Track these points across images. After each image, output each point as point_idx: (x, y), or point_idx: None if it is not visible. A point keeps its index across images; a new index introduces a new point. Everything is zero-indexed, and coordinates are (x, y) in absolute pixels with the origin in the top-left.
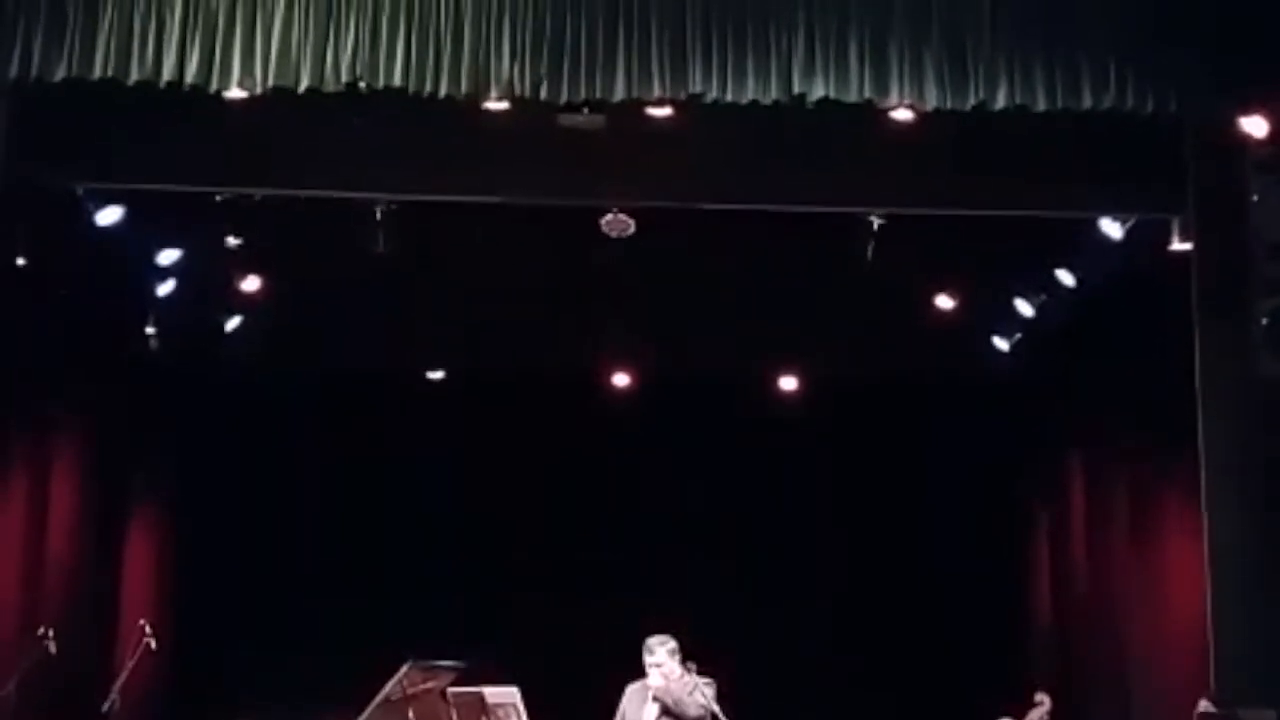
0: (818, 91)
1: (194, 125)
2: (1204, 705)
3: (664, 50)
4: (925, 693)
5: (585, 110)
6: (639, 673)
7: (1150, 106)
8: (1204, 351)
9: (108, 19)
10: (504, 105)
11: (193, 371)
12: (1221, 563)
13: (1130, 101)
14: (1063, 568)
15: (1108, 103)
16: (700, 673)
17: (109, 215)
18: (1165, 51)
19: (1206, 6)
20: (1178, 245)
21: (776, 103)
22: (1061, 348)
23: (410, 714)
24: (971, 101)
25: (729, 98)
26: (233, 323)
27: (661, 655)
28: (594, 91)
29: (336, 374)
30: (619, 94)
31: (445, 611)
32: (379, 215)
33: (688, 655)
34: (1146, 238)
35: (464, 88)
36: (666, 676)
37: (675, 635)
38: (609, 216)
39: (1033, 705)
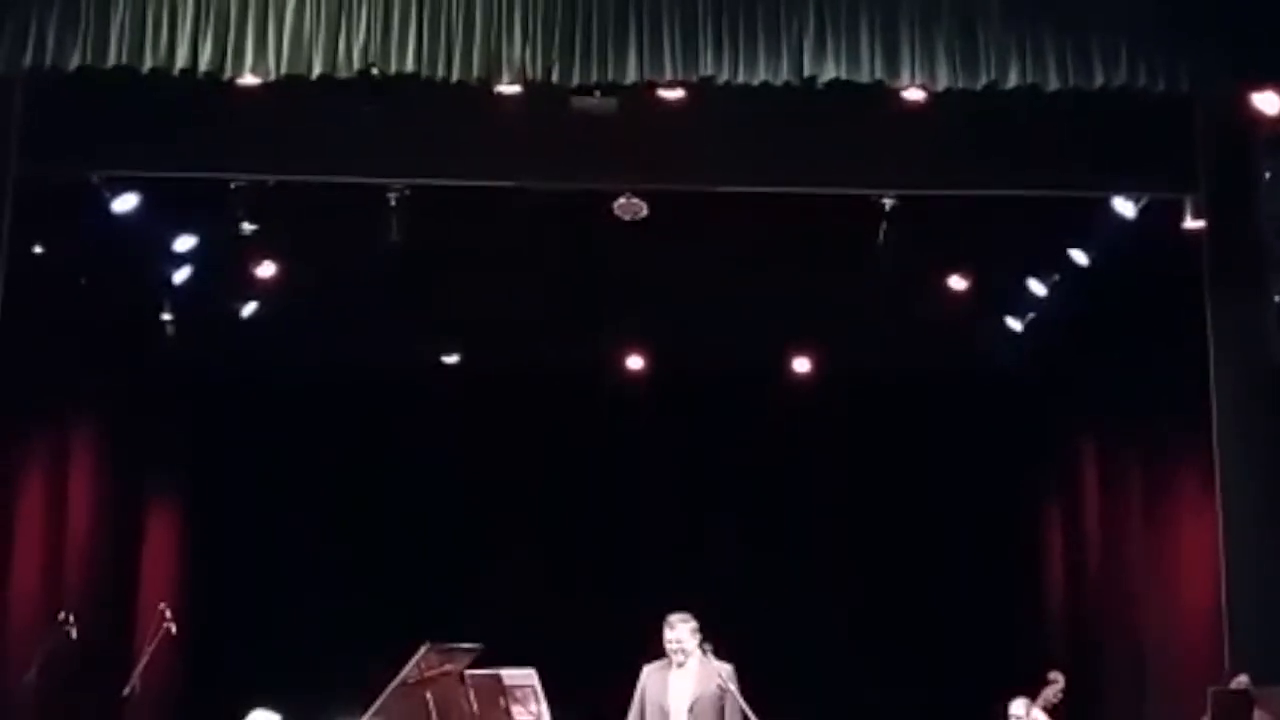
0: (829, 73)
1: (208, 112)
2: (1241, 680)
3: (675, 32)
4: (940, 678)
5: (597, 93)
6: (649, 660)
7: (1161, 85)
8: (1216, 331)
9: (121, 7)
10: (516, 89)
11: (209, 358)
12: (1235, 545)
13: (1141, 80)
14: (1076, 551)
15: (1119, 81)
16: (717, 655)
17: (125, 203)
18: (1176, 30)
19: None
20: (1191, 224)
21: (788, 84)
22: (1074, 328)
23: (428, 696)
24: (983, 81)
25: (740, 80)
26: (248, 309)
27: (683, 631)
28: (605, 74)
29: (351, 360)
30: (630, 76)
31: (459, 598)
32: (392, 201)
33: (707, 637)
34: (1159, 217)
35: (476, 72)
36: (686, 651)
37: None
38: (621, 200)
39: (1046, 684)
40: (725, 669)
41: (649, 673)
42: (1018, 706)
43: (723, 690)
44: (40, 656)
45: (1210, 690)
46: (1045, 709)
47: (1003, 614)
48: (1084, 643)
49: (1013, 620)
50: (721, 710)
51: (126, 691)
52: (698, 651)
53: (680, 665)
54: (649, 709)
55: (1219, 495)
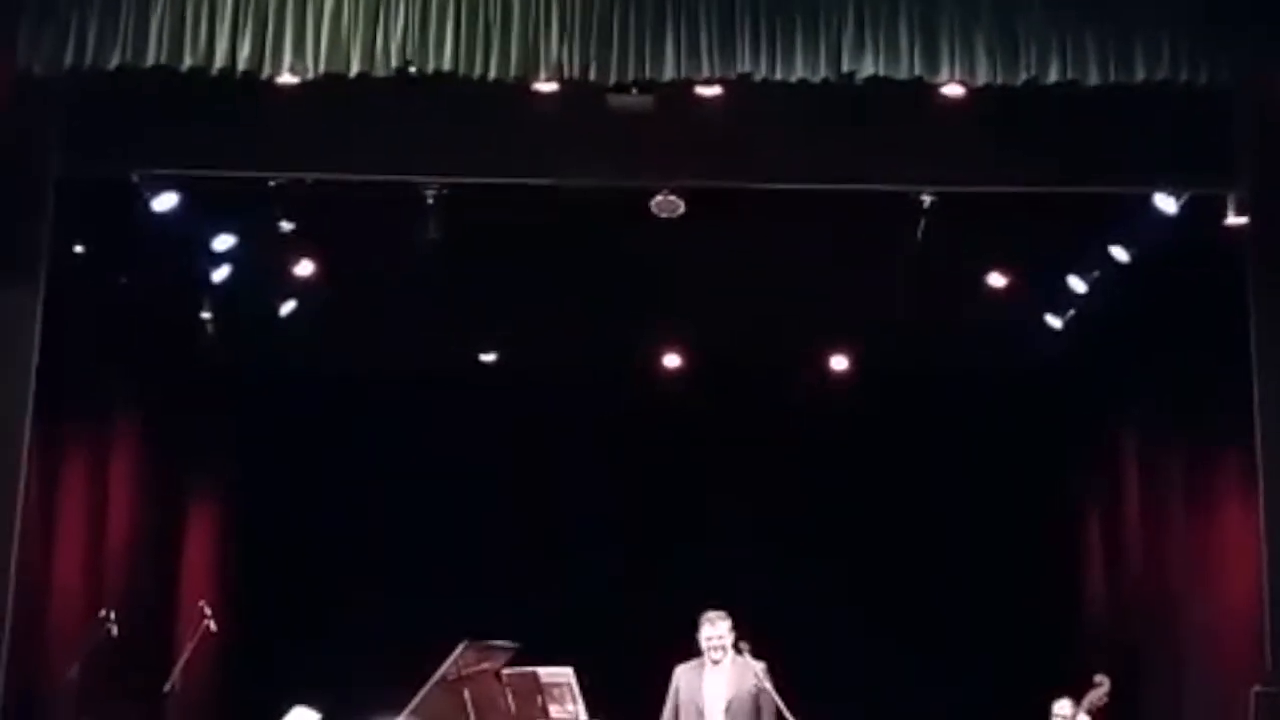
0: (867, 69)
1: (246, 111)
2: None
3: (712, 29)
4: (978, 678)
5: (634, 91)
6: (686, 656)
7: (1203, 79)
8: (1259, 328)
9: (160, 7)
10: (553, 87)
11: (249, 356)
12: (1278, 544)
13: (1183, 74)
14: (1117, 549)
15: (1160, 76)
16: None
17: (164, 202)
18: (1218, 23)
19: None
20: (1232, 220)
21: (826, 81)
22: (1115, 325)
23: (465, 694)
24: (1023, 77)
25: (778, 76)
26: (287, 307)
27: (723, 629)
28: (643, 72)
29: (389, 358)
30: (668, 74)
31: (497, 598)
32: (430, 199)
33: (740, 638)
34: (1201, 212)
35: (513, 70)
36: (725, 649)
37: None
38: (658, 198)
39: (1092, 686)
40: (759, 667)
41: (682, 673)
42: (1062, 707)
43: (758, 688)
44: (82, 654)
45: (1254, 691)
46: (1090, 712)
47: (1041, 612)
48: (1123, 642)
49: (1052, 619)
50: (757, 709)
51: (167, 689)
52: (731, 650)
53: (715, 663)
54: (683, 707)
55: (1262, 494)
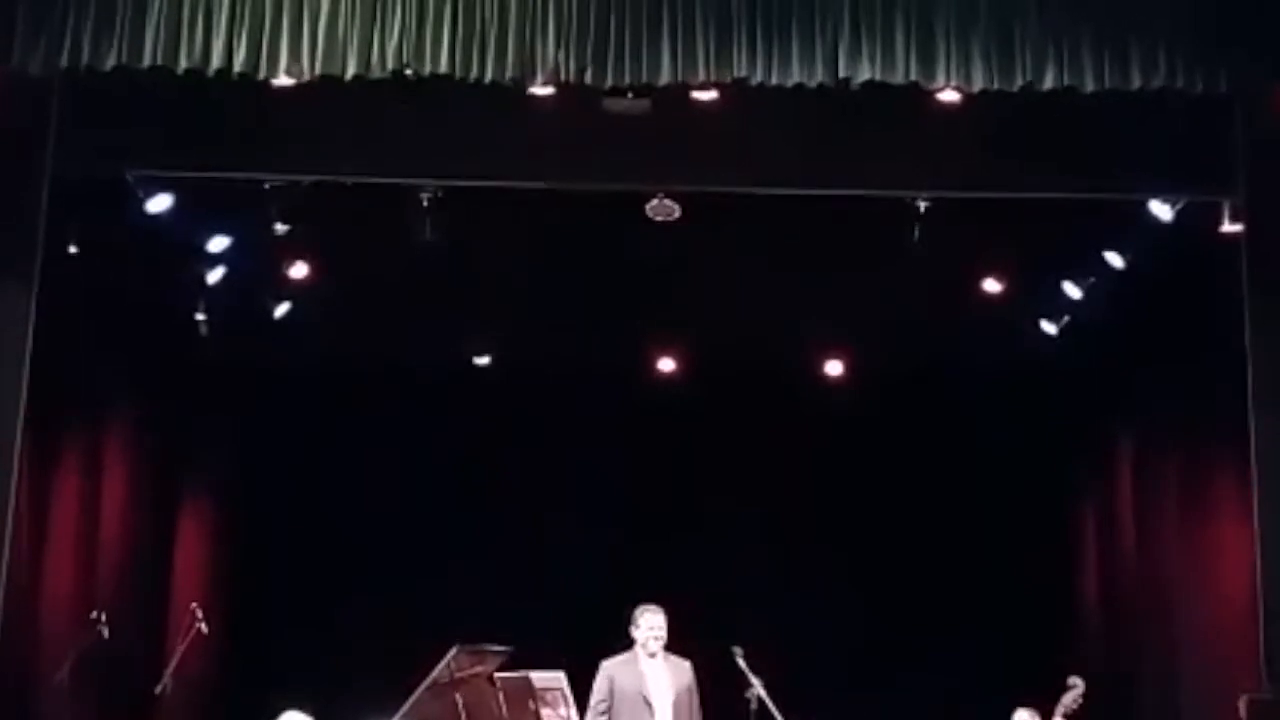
0: (863, 74)
1: (242, 113)
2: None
3: (709, 33)
4: (974, 679)
5: (630, 95)
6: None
7: (1199, 86)
8: (1254, 334)
9: (156, 7)
10: (549, 90)
11: (243, 357)
12: (1272, 547)
13: (1179, 81)
14: (1111, 551)
15: (1156, 83)
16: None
17: (159, 203)
18: (1215, 30)
19: None
20: (1229, 227)
21: (822, 86)
22: (1110, 331)
23: (457, 698)
24: (1019, 83)
25: (774, 81)
26: (281, 309)
27: (663, 621)
28: (639, 76)
29: (383, 361)
30: (664, 78)
31: (494, 599)
32: (425, 202)
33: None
34: (1197, 220)
35: (509, 73)
36: (662, 641)
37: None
38: (654, 201)
39: (1065, 689)
40: (688, 665)
41: (614, 666)
42: (1021, 717)
43: (691, 687)
44: (73, 656)
45: (1246, 698)
46: (1066, 715)
47: (1036, 616)
48: (1118, 645)
49: (1047, 621)
50: (689, 705)
51: (158, 690)
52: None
53: (652, 656)
54: (624, 701)
55: (1255, 495)
